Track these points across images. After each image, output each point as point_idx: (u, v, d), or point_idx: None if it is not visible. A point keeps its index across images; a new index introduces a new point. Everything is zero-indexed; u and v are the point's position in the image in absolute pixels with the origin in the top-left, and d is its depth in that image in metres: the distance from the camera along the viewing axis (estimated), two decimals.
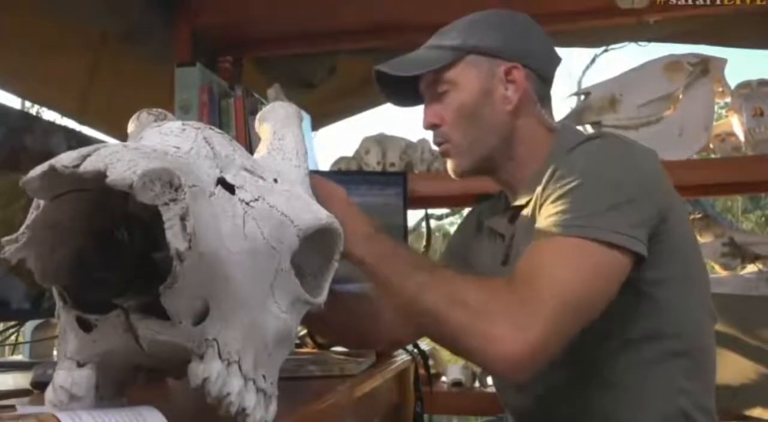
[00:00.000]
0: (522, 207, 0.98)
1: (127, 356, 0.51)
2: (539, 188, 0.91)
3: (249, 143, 1.82)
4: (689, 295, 0.91)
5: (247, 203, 0.61)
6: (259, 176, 0.68)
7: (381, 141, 1.85)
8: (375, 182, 1.62)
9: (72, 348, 0.49)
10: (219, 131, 0.70)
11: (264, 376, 0.57)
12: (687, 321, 0.90)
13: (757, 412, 1.46)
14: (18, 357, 1.27)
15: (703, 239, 1.79)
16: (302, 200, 0.70)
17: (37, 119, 1.19)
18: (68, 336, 0.50)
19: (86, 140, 1.14)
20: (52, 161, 0.40)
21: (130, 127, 0.84)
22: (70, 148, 1.21)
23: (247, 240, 0.58)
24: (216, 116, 1.83)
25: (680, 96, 1.67)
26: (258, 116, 0.93)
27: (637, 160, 0.89)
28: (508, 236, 1.01)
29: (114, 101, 2.10)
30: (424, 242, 2.05)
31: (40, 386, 0.80)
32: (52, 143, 1.06)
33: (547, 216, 0.84)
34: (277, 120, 0.91)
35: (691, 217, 1.82)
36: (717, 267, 1.79)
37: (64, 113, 2.35)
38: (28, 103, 3.05)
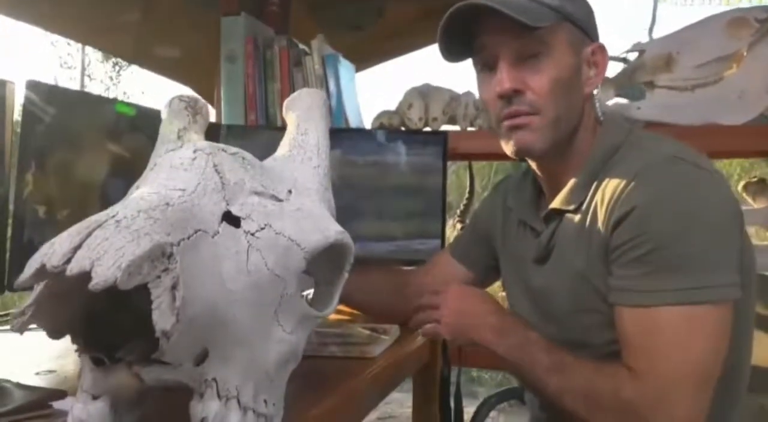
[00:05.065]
0: (561, 210, 0.94)
1: (138, 388, 0.56)
2: (597, 203, 0.87)
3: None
4: (745, 317, 0.88)
5: (252, 234, 0.64)
6: (270, 195, 0.71)
7: (425, 94, 1.81)
8: (415, 142, 1.62)
9: (88, 383, 0.55)
10: (233, 151, 0.72)
11: (265, 401, 0.61)
12: (733, 346, 0.83)
13: None
14: None
15: (757, 204, 1.71)
16: (312, 218, 0.72)
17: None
18: (85, 371, 0.55)
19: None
20: (44, 260, 0.43)
21: (163, 113, 0.89)
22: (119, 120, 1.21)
23: (250, 275, 0.61)
24: (260, 67, 1.84)
25: (744, 55, 1.56)
26: (285, 104, 0.95)
27: (719, 192, 0.83)
28: (545, 237, 0.96)
29: (166, 46, 2.15)
30: (467, 193, 2.05)
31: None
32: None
33: (646, 274, 0.81)
34: (302, 110, 0.92)
35: (747, 181, 1.75)
36: None
37: (122, 56, 2.41)
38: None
